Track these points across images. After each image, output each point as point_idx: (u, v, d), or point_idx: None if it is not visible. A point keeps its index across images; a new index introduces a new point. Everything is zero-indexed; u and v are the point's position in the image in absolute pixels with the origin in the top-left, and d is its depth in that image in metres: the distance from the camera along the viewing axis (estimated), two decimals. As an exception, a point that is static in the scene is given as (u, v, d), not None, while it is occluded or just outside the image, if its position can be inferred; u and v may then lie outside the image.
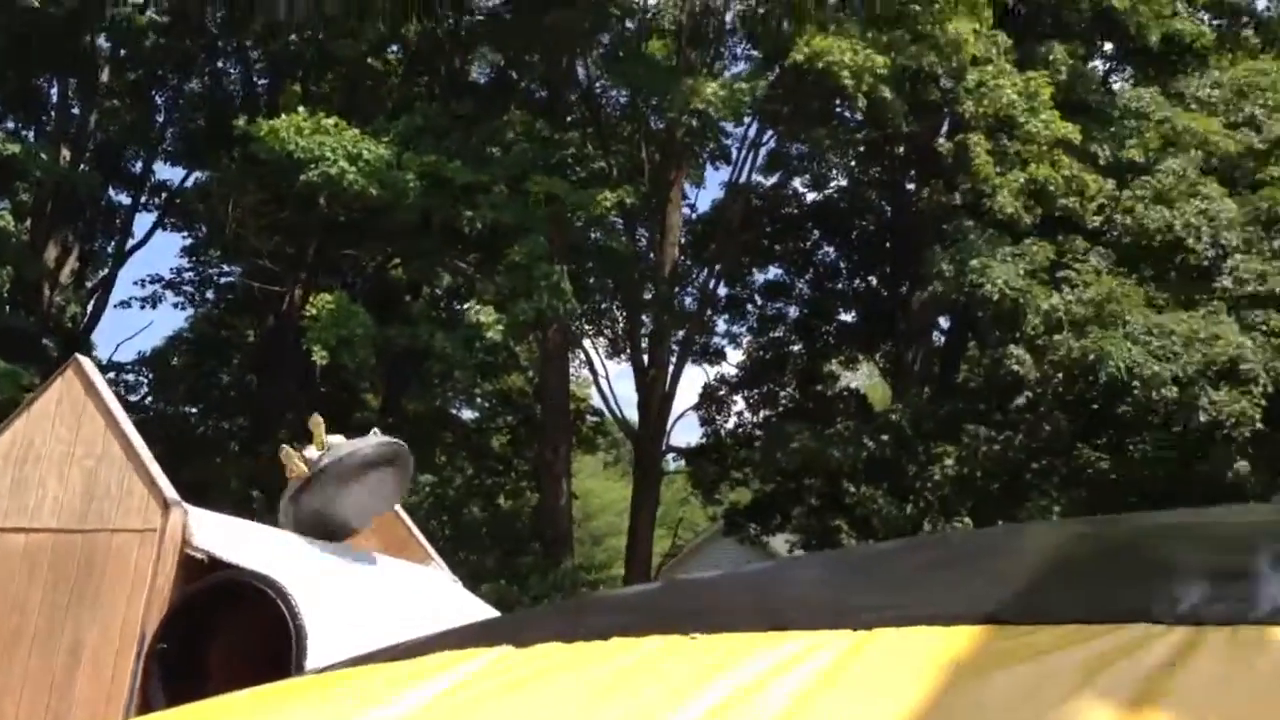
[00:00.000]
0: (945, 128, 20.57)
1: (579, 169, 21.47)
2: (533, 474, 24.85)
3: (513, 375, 25.59)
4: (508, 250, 18.67)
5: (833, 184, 25.36)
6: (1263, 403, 16.01)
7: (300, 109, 18.73)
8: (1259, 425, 15.82)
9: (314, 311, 18.22)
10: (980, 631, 2.63)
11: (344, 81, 23.70)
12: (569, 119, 22.75)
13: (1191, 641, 2.39)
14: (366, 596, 6.59)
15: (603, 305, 25.60)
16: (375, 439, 7.18)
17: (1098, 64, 23.30)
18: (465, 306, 19.17)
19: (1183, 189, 18.84)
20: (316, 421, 6.98)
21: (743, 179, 23.53)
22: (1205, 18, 22.03)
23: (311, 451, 6.88)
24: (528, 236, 18.40)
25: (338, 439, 6.98)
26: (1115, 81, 23.17)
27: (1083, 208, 18.63)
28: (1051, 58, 19.21)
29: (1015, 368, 17.45)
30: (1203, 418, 15.95)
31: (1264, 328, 16.94)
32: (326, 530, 6.89)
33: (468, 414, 26.56)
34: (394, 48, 24.14)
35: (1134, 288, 17.89)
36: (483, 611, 7.27)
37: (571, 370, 25.47)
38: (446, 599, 7.51)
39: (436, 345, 18.73)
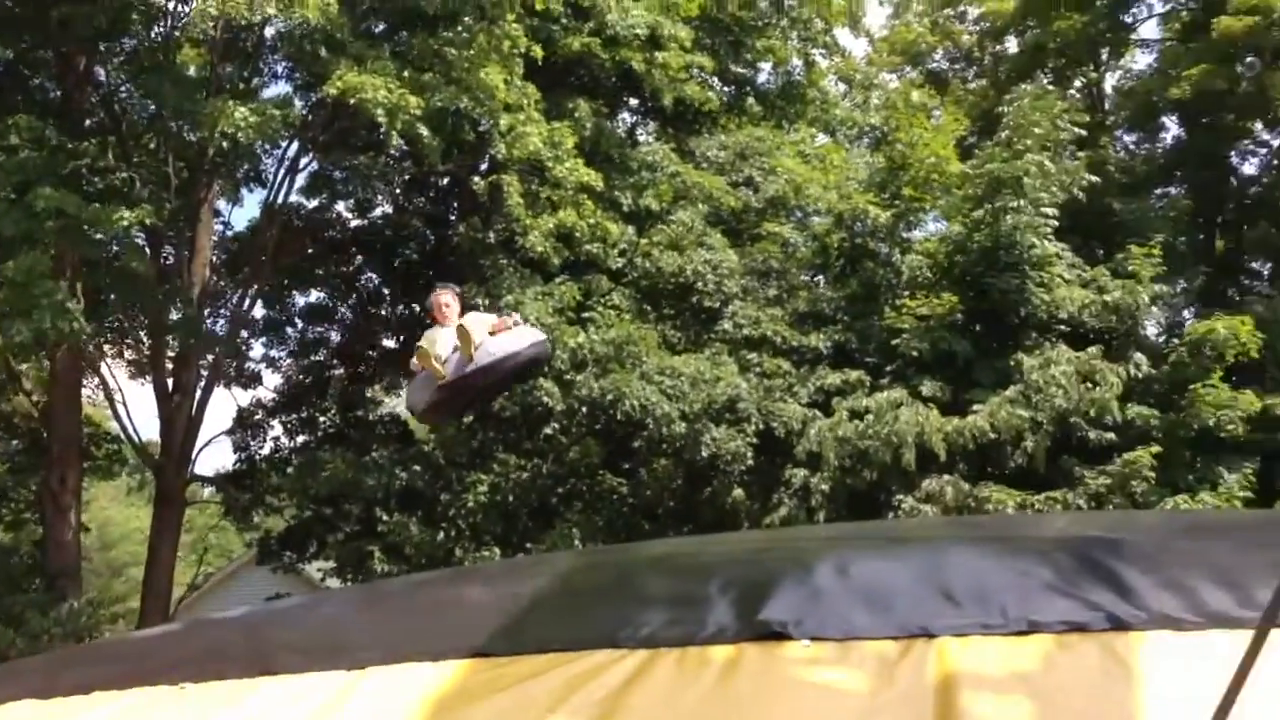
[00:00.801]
0: (484, 167, 21.24)
1: (97, 180, 19.85)
2: (36, 504, 22.56)
3: (15, 397, 23.07)
4: (3, 266, 16.89)
5: (377, 210, 25.28)
6: (754, 440, 17.84)
7: None
8: (750, 460, 17.70)
9: None
10: (468, 665, 2.82)
11: None
12: (86, 124, 20.98)
13: (647, 663, 2.73)
14: None
15: (125, 325, 23.84)
16: (529, 336, 6.72)
17: (625, 117, 25.09)
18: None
19: (692, 239, 20.69)
20: (472, 323, 6.38)
21: (281, 199, 22.90)
22: (716, 84, 24.33)
23: (444, 347, 6.35)
24: (29, 251, 16.75)
25: (483, 327, 6.37)
26: (641, 135, 25.03)
27: (606, 252, 19.91)
28: (577, 113, 20.44)
29: (545, 400, 18.30)
30: (705, 452, 17.61)
31: (758, 369, 18.93)
32: (452, 414, 6.56)
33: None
34: None
35: (650, 330, 19.36)
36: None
37: (88, 393, 23.45)
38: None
39: (-87, 368, 16.58)
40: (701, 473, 18.18)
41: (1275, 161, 23.03)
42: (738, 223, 22.56)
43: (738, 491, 17.65)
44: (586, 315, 19.19)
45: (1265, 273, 23.25)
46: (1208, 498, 16.20)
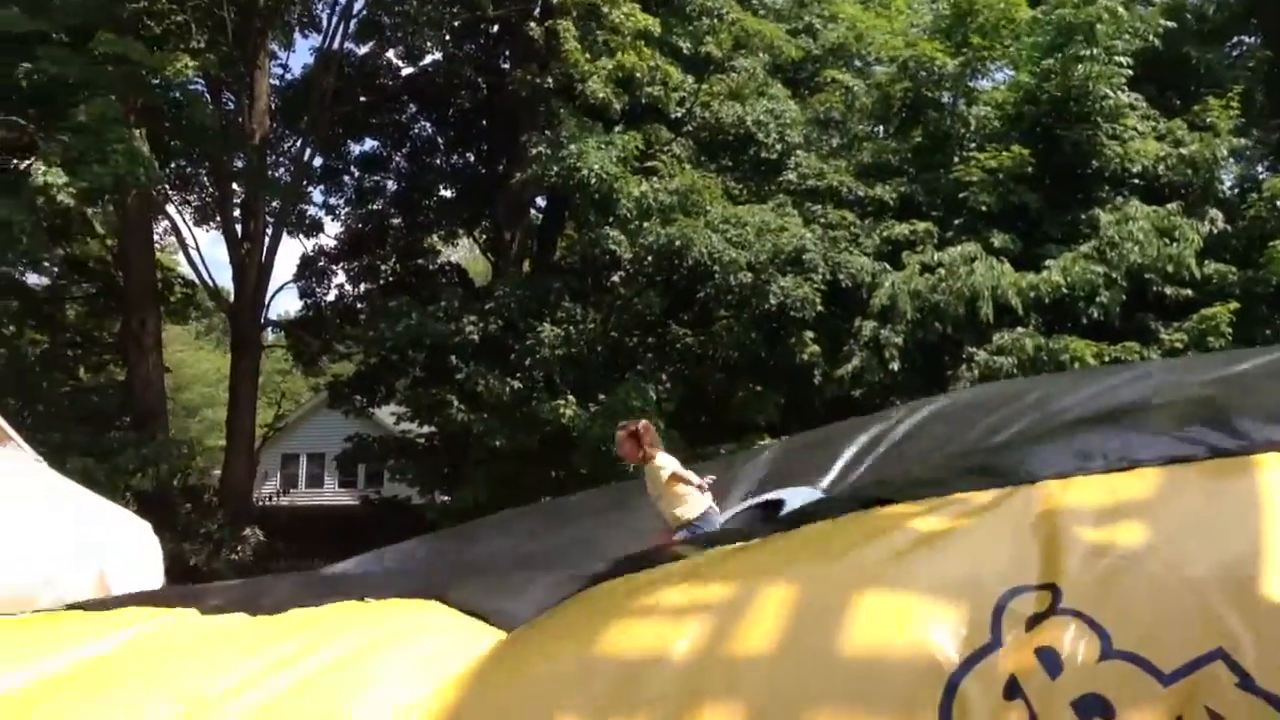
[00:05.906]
0: (538, 11, 20.79)
1: (153, 24, 19.67)
2: (118, 346, 22.95)
3: (89, 242, 23.22)
4: (73, 109, 16.85)
5: (428, 58, 24.97)
6: (823, 288, 17.74)
7: None
8: (820, 308, 17.60)
9: None
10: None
11: None
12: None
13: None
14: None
15: (189, 171, 23.99)
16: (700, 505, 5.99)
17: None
18: (27, 165, 16.95)
19: (753, 88, 20.28)
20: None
21: (335, 46, 22.73)
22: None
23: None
24: (95, 96, 16.70)
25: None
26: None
27: (666, 97, 19.54)
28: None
29: (613, 248, 18.28)
30: (774, 300, 17.54)
31: (822, 220, 18.75)
32: None
33: (33, 279, 23.37)
34: None
35: (713, 179, 19.17)
36: (75, 492, 6.74)
37: (157, 237, 23.69)
38: (33, 480, 6.87)
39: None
40: (771, 326, 18.12)
41: (1360, 7, 21.95)
42: (797, 72, 22.07)
43: (813, 347, 17.55)
44: (649, 165, 19.03)
45: (1346, 125, 22.38)
46: (1286, 355, 15.96)
